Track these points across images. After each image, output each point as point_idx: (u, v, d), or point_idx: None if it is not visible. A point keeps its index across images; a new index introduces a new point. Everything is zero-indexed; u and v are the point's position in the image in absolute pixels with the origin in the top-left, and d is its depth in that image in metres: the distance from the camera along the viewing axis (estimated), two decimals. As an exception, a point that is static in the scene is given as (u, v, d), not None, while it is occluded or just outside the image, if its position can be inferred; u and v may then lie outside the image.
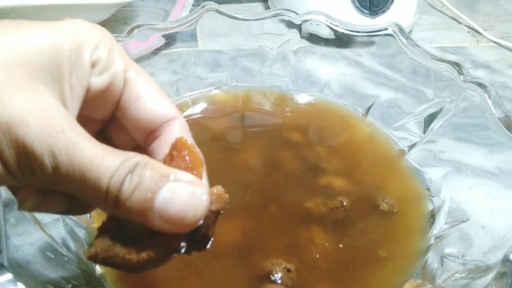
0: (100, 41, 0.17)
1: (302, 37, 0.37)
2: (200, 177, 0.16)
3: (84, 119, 0.17)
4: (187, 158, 0.16)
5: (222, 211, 0.17)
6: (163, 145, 0.18)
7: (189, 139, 0.17)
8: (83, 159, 0.14)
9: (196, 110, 0.35)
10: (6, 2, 0.37)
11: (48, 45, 0.15)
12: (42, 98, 0.14)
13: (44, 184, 0.15)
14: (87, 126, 0.16)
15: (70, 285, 0.21)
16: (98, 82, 0.17)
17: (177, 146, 0.17)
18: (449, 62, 0.30)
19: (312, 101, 0.37)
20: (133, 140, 0.19)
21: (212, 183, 0.18)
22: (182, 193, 0.15)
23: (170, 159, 0.17)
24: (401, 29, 0.32)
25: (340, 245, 0.25)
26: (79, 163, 0.14)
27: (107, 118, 0.19)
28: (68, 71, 0.16)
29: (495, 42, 0.50)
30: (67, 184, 0.14)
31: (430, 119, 0.32)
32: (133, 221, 0.15)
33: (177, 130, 0.18)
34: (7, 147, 0.14)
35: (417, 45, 0.32)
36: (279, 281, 0.23)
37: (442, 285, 0.23)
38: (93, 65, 0.17)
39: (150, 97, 0.18)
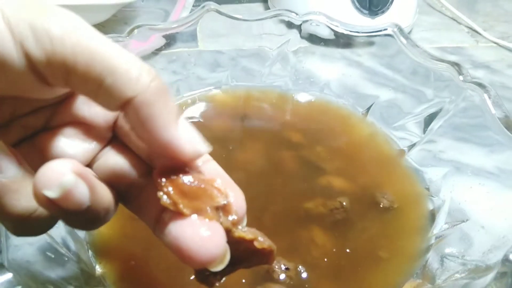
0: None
1: (302, 37, 0.37)
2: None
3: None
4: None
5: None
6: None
7: None
8: (112, 47, 0.13)
9: (196, 110, 0.35)
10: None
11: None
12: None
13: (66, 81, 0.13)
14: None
15: (70, 285, 0.21)
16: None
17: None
18: (448, 62, 0.30)
19: (312, 101, 0.37)
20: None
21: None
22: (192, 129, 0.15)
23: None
24: (400, 30, 0.32)
25: (340, 245, 0.25)
26: (109, 49, 0.13)
27: None
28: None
29: (494, 42, 0.50)
30: (96, 65, 0.13)
31: (430, 119, 0.32)
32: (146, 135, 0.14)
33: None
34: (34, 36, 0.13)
35: (417, 46, 0.32)
36: (278, 280, 0.23)
37: (442, 285, 0.23)
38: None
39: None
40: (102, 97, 0.14)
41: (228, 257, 0.15)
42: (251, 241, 0.15)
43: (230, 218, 0.15)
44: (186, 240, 0.14)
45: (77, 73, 0.13)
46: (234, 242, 0.15)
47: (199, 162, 0.17)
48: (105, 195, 0.15)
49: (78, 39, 0.13)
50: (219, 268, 0.15)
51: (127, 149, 0.17)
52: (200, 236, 0.14)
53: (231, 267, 0.15)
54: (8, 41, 0.13)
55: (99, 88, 0.14)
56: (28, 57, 0.13)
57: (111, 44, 0.14)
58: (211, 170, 0.17)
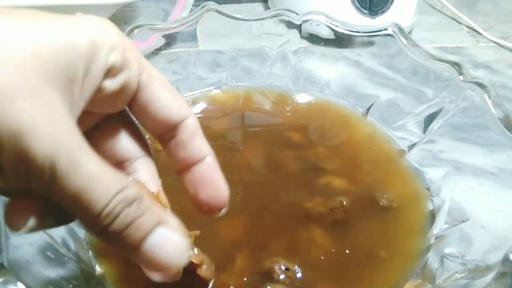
0: (116, 42, 0.16)
1: (302, 37, 0.37)
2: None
3: (87, 112, 0.17)
4: None
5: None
6: (178, 145, 0.19)
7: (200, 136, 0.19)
8: (82, 180, 0.14)
9: (196, 110, 0.35)
10: (6, 2, 0.37)
11: (63, 43, 0.14)
12: (52, 107, 0.14)
13: (36, 191, 0.14)
14: (90, 117, 0.17)
15: (70, 285, 0.21)
16: (110, 85, 0.16)
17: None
18: (449, 62, 0.30)
19: (312, 101, 0.37)
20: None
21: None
22: (172, 240, 0.16)
23: None
24: (401, 29, 0.32)
25: (340, 245, 0.25)
26: (77, 182, 0.14)
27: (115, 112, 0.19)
28: (81, 73, 0.15)
29: (495, 42, 0.50)
30: (60, 197, 0.14)
31: (430, 119, 0.32)
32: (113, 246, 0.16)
33: (190, 131, 0.19)
34: (8, 152, 0.13)
35: (417, 45, 0.32)
36: (278, 280, 0.23)
37: (442, 285, 0.23)
38: (107, 68, 0.16)
39: (164, 103, 0.18)
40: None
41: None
42: (196, 265, 0.17)
43: None
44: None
45: None
46: None
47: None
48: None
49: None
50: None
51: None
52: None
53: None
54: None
55: None
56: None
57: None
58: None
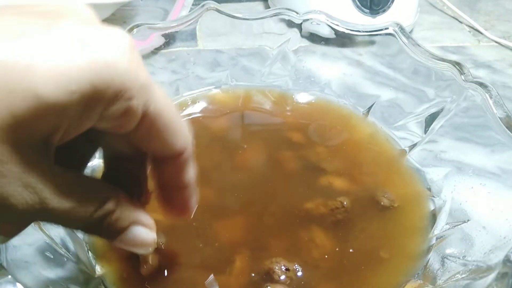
0: (119, 94, 0.14)
1: (302, 36, 0.36)
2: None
3: None
4: None
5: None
6: (166, 171, 0.19)
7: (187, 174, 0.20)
8: (57, 219, 0.15)
9: (196, 109, 0.35)
10: (3, 1, 0.37)
11: (51, 103, 0.12)
12: (27, 170, 0.13)
13: None
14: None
15: (69, 286, 0.21)
16: (103, 126, 0.15)
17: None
18: (450, 61, 0.29)
19: (313, 101, 0.37)
20: None
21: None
22: (140, 237, 0.18)
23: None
24: (402, 29, 0.32)
25: (341, 246, 0.25)
26: (54, 220, 0.16)
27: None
28: (64, 128, 0.14)
29: (496, 42, 0.50)
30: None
31: (431, 119, 0.32)
32: None
33: (182, 161, 0.19)
34: None
35: (418, 45, 0.31)
36: (279, 281, 0.23)
37: (443, 285, 0.23)
38: (101, 117, 0.14)
39: (162, 140, 0.17)
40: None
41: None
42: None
43: None
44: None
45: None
46: None
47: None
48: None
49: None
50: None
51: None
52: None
53: None
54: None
55: None
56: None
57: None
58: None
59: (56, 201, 0.15)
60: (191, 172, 0.20)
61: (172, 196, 0.20)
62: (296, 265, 0.23)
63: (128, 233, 0.18)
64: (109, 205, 0.17)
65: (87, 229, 0.17)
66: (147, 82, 0.15)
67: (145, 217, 0.19)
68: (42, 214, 0.15)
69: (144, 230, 0.18)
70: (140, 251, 0.19)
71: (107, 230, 0.17)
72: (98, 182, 0.18)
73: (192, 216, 0.21)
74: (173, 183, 0.20)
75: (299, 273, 0.23)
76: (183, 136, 0.18)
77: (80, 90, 0.13)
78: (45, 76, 0.12)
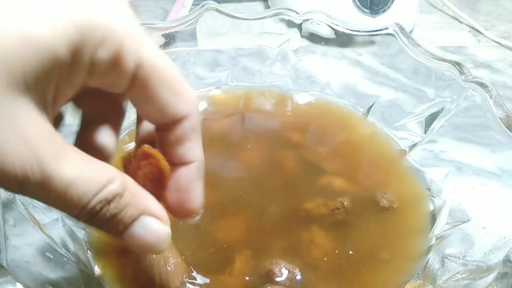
0: (106, 36, 0.14)
1: (302, 36, 0.36)
2: (165, 188, 0.17)
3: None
4: (154, 169, 0.17)
5: None
6: (169, 140, 0.17)
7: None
8: (57, 190, 0.14)
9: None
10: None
11: (39, 41, 0.12)
12: (20, 117, 0.13)
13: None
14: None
15: (69, 286, 0.21)
16: (95, 83, 0.15)
17: (145, 155, 0.17)
18: (450, 61, 0.29)
19: (313, 101, 0.37)
20: None
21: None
22: (152, 230, 0.16)
23: (137, 167, 0.17)
24: (402, 29, 0.32)
25: (341, 246, 0.25)
26: (53, 193, 0.14)
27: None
28: (57, 74, 0.13)
29: (496, 42, 0.50)
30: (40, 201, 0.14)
31: (431, 119, 0.32)
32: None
33: (185, 131, 0.17)
34: None
35: (418, 45, 0.31)
36: (278, 281, 0.23)
37: (443, 285, 0.23)
38: (91, 66, 0.14)
39: (160, 100, 0.16)
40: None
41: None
42: None
43: None
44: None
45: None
46: None
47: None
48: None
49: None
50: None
51: None
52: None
53: None
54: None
55: None
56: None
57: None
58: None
59: (54, 167, 0.13)
60: (197, 149, 0.17)
61: (173, 181, 0.18)
62: (296, 269, 0.23)
63: (138, 225, 0.15)
64: (115, 186, 0.15)
65: (89, 217, 0.15)
66: (138, 31, 0.15)
67: (157, 206, 0.16)
68: (38, 182, 0.13)
69: (157, 221, 0.16)
70: (152, 250, 0.16)
71: (113, 221, 0.15)
72: (102, 163, 0.15)
73: (200, 214, 0.19)
74: (177, 159, 0.17)
75: (299, 275, 0.23)
76: (185, 97, 0.16)
77: (66, 30, 0.13)
78: (31, 18, 0.13)
